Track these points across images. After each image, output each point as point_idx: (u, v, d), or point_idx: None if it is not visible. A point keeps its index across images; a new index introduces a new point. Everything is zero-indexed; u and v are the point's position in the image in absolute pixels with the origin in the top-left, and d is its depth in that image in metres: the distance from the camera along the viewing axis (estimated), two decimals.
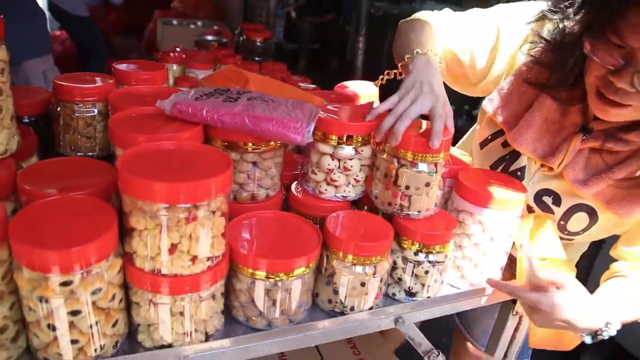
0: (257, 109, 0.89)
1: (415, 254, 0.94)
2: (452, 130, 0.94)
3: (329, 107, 1.00)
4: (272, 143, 0.94)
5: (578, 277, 1.06)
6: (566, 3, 1.02)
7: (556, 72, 1.04)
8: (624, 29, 0.86)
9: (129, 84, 1.16)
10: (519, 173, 1.14)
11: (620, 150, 1.02)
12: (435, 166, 0.94)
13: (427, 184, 0.93)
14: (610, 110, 0.94)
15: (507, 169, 1.15)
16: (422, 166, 0.92)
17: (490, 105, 1.14)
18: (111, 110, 1.02)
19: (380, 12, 4.57)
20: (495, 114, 1.13)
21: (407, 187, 0.93)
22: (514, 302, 1.11)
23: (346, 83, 1.58)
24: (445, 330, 1.58)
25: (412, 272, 0.96)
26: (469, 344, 1.44)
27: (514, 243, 1.07)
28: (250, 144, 0.91)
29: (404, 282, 0.97)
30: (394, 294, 0.99)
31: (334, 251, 0.88)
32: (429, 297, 0.99)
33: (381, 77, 1.20)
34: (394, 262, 0.96)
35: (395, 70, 1.12)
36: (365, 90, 1.53)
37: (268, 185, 0.97)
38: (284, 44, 7.68)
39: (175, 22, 4.50)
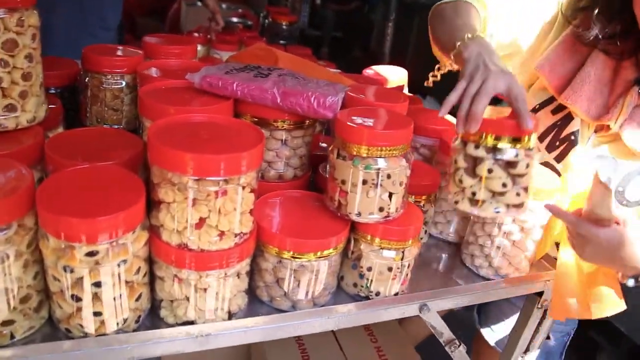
0: (288, 85, 0.87)
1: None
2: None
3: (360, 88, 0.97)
4: (303, 121, 0.91)
5: None
6: None
7: (604, 14, 1.01)
8: None
9: (157, 58, 1.15)
10: (572, 137, 1.09)
11: None
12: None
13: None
14: None
15: (559, 135, 1.10)
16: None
17: (543, 66, 1.09)
18: (140, 82, 1.00)
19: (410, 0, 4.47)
20: (548, 77, 1.09)
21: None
22: (539, 295, 1.09)
23: (375, 67, 1.55)
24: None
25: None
26: (491, 350, 1.41)
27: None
28: (280, 121, 0.89)
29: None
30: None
31: (362, 234, 0.86)
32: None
33: (431, 74, 1.13)
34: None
35: (449, 62, 1.01)
36: (394, 75, 1.51)
37: (296, 164, 0.95)
38: (307, 30, 7.63)
39: (199, 3, 4.47)
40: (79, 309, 0.69)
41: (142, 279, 0.74)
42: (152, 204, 0.73)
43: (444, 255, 1.11)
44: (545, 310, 1.12)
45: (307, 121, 0.92)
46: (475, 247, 1.03)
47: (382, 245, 0.86)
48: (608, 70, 1.04)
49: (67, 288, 0.67)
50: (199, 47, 2.24)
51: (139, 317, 0.76)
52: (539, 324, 1.14)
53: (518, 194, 0.85)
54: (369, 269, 0.87)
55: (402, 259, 0.87)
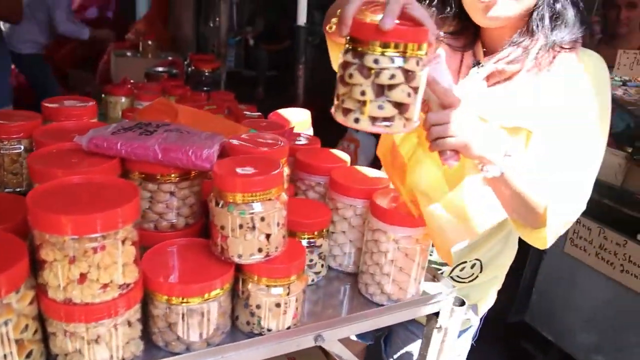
0: (169, 140, 0.93)
1: None
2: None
3: (243, 136, 1.05)
4: (189, 173, 0.98)
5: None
6: None
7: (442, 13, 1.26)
8: None
9: (57, 120, 1.20)
10: None
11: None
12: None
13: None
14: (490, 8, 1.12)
15: None
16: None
17: None
18: (35, 146, 1.05)
19: (318, 40, 4.66)
20: None
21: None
22: (436, 315, 1.17)
23: (280, 111, 1.64)
24: None
25: None
26: None
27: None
28: (166, 175, 0.96)
29: None
30: None
31: (248, 274, 0.92)
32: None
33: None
34: None
35: None
36: (298, 117, 1.60)
37: (187, 213, 1.01)
38: (243, 71, 7.79)
39: (129, 53, 4.54)
40: None
41: (32, 336, 0.78)
42: (37, 264, 0.78)
43: (344, 287, 1.18)
44: (446, 329, 1.20)
45: (193, 172, 0.99)
46: (367, 276, 1.11)
47: (268, 284, 0.92)
48: (454, 62, 1.28)
49: None
50: (123, 99, 2.29)
51: None
52: (441, 342, 1.22)
53: (381, 107, 0.82)
54: (259, 307, 0.93)
55: (288, 294, 0.93)
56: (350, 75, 0.80)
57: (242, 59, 7.57)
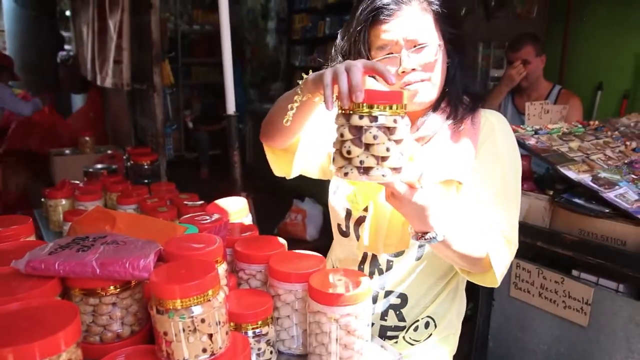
0: (106, 254, 0.97)
1: None
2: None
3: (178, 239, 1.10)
4: (129, 282, 1.01)
5: None
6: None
7: None
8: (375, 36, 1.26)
9: None
10: None
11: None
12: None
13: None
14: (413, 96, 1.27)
15: None
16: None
17: None
18: None
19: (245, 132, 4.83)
20: None
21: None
22: None
23: (218, 201, 1.69)
24: None
25: None
26: None
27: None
28: (106, 288, 0.99)
29: None
30: None
31: None
32: None
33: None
34: None
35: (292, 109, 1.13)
36: (235, 206, 1.65)
37: (132, 322, 1.04)
38: (185, 154, 7.89)
39: (67, 151, 4.52)
40: None
41: None
42: None
43: None
44: None
45: (133, 281, 1.02)
46: (315, 357, 1.15)
47: None
48: None
49: None
50: (64, 202, 2.29)
51: None
52: None
53: (399, 158, 0.96)
54: None
55: None
56: (375, 137, 0.93)
57: (182, 143, 7.68)
